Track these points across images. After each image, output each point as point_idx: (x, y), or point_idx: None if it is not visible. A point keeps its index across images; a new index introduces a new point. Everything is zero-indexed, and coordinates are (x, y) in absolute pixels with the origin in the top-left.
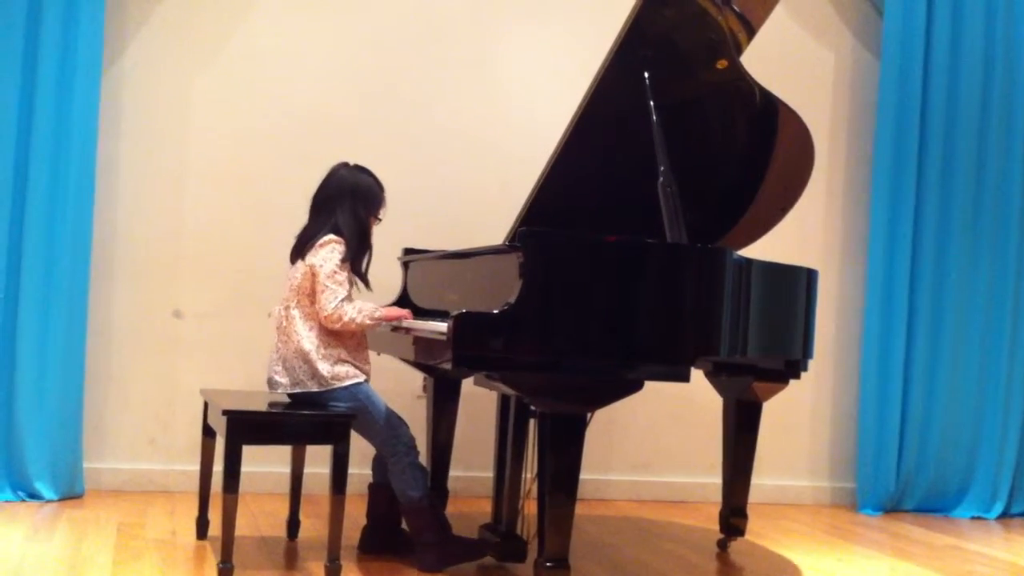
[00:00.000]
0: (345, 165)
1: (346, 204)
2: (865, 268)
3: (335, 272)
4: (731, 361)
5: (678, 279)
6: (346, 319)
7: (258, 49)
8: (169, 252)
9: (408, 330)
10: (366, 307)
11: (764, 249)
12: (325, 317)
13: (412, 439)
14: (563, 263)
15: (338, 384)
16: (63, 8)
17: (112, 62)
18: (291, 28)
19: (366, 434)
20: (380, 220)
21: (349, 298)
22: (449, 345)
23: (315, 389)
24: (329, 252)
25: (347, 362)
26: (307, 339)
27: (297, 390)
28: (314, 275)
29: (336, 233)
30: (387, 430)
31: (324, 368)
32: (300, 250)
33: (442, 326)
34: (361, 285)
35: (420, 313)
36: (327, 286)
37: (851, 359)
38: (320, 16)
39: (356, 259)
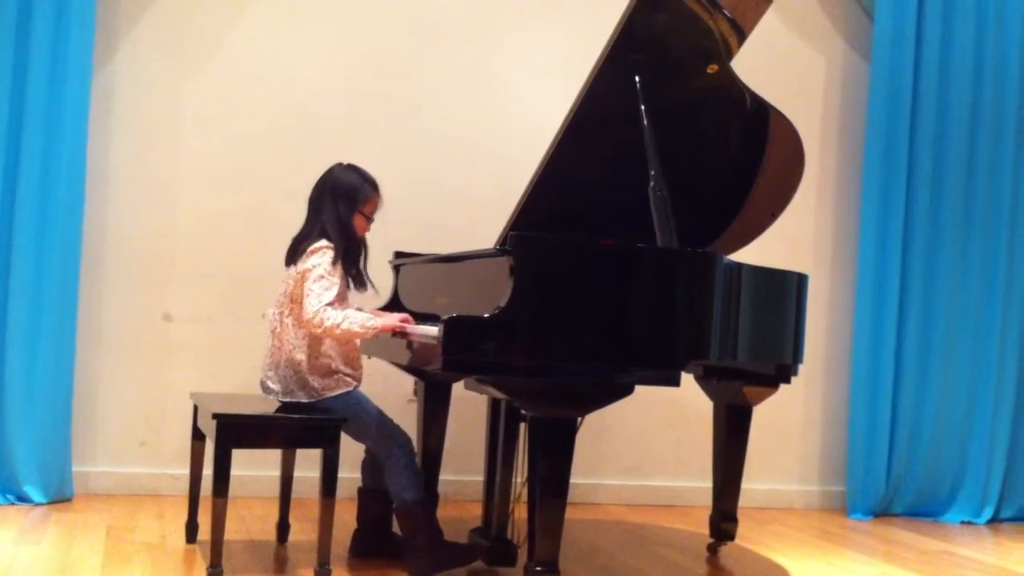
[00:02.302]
0: (339, 165)
1: (328, 204)
2: (855, 272)
3: (322, 276)
4: (722, 365)
5: (669, 283)
6: (327, 324)
7: (250, 51)
8: (160, 255)
9: (407, 335)
10: (356, 316)
11: (754, 253)
12: (306, 322)
13: (407, 439)
14: (554, 267)
15: (328, 394)
16: (54, 8)
17: (103, 63)
18: (284, 30)
19: (359, 438)
20: (370, 217)
21: (338, 303)
22: (439, 349)
23: (305, 400)
24: (319, 258)
25: (337, 372)
26: (298, 349)
27: (287, 399)
28: (304, 281)
29: (323, 235)
30: (380, 432)
31: (314, 380)
32: (292, 254)
33: (433, 330)
34: (353, 286)
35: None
36: (311, 290)
37: (841, 363)
38: (313, 19)
39: (346, 258)
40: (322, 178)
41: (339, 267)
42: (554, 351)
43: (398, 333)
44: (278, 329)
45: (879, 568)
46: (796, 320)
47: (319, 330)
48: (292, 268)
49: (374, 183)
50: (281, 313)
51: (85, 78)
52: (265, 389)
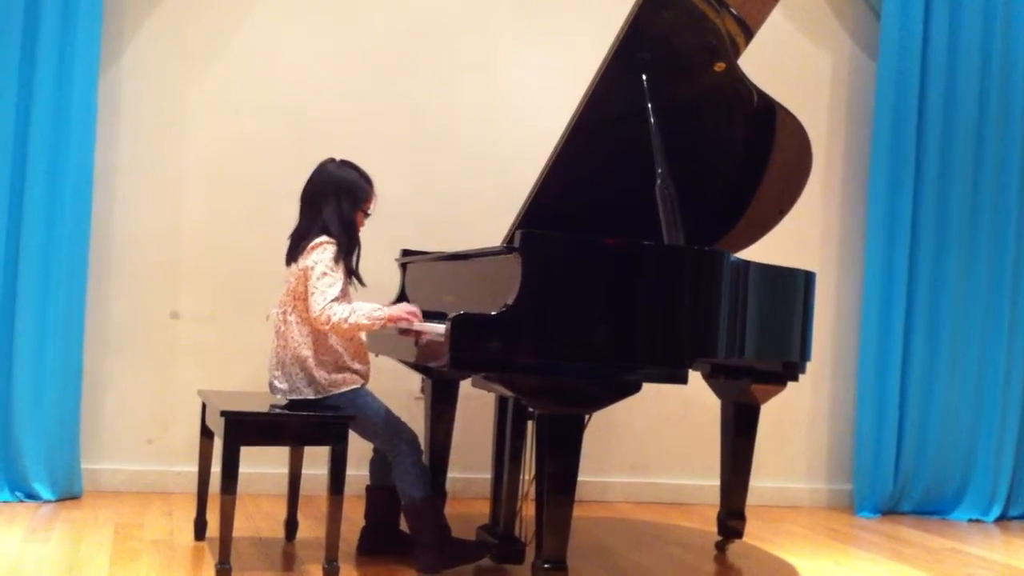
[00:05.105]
0: (332, 161)
1: (331, 202)
2: (863, 270)
3: (325, 273)
4: (729, 363)
5: (676, 281)
6: (335, 320)
7: (255, 53)
8: (167, 254)
9: (419, 333)
10: (363, 307)
11: (762, 251)
12: (314, 319)
13: (414, 437)
14: (561, 265)
15: (335, 391)
16: (60, 11)
17: (109, 65)
18: (288, 32)
19: (366, 436)
20: (368, 214)
21: (343, 299)
22: (446, 346)
23: (312, 396)
24: (320, 254)
25: (345, 368)
26: (304, 345)
27: (295, 396)
28: (307, 279)
29: (325, 232)
30: (387, 430)
31: (321, 376)
32: (293, 252)
33: (440, 328)
34: (356, 284)
35: None
36: (316, 287)
37: (849, 361)
38: (318, 20)
39: (348, 254)
40: (318, 175)
41: (341, 263)
42: (561, 349)
43: (405, 331)
44: (282, 328)
45: (887, 566)
46: (803, 318)
47: (327, 327)
48: (294, 265)
49: (370, 179)
50: (284, 312)
51: (91, 80)
52: (272, 389)
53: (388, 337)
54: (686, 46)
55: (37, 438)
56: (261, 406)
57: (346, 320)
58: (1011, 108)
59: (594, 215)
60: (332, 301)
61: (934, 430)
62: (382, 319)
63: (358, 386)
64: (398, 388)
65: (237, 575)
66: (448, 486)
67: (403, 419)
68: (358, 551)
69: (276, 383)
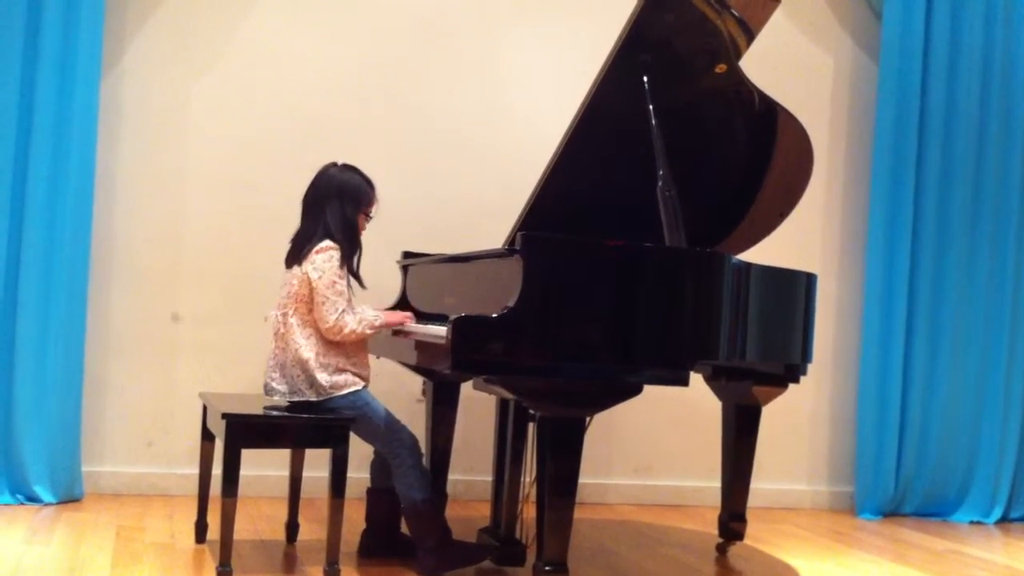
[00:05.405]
0: (334, 164)
1: (334, 204)
2: (864, 272)
3: (334, 282)
4: (730, 365)
5: (677, 283)
6: (347, 331)
7: (256, 53)
8: (168, 256)
9: (409, 334)
10: (367, 315)
11: (763, 253)
12: (326, 329)
13: (414, 440)
14: (562, 267)
15: (336, 393)
16: (63, 12)
17: (111, 66)
18: (290, 32)
19: (367, 438)
20: (371, 218)
21: (350, 308)
22: (448, 349)
23: (313, 398)
24: (326, 260)
25: (345, 370)
26: (305, 347)
27: (295, 398)
28: (311, 284)
29: (328, 236)
30: (387, 433)
31: (322, 378)
32: (296, 255)
33: (441, 330)
34: (357, 286)
35: (419, 317)
36: (327, 297)
37: (850, 363)
38: (319, 20)
39: (348, 259)
40: (321, 178)
41: (344, 268)
42: (562, 351)
43: (397, 331)
44: (282, 330)
45: (888, 568)
46: (805, 319)
47: (339, 337)
48: (296, 268)
49: (372, 183)
50: (285, 314)
51: (93, 81)
52: (269, 391)
53: (389, 339)
54: (687, 48)
55: (38, 440)
56: (262, 409)
57: (355, 331)
58: (1012, 109)
59: (595, 217)
60: (343, 312)
61: (935, 432)
62: (382, 325)
63: (359, 388)
64: (399, 390)
65: None
66: (449, 488)
67: (404, 422)
68: (359, 553)
69: (274, 384)
